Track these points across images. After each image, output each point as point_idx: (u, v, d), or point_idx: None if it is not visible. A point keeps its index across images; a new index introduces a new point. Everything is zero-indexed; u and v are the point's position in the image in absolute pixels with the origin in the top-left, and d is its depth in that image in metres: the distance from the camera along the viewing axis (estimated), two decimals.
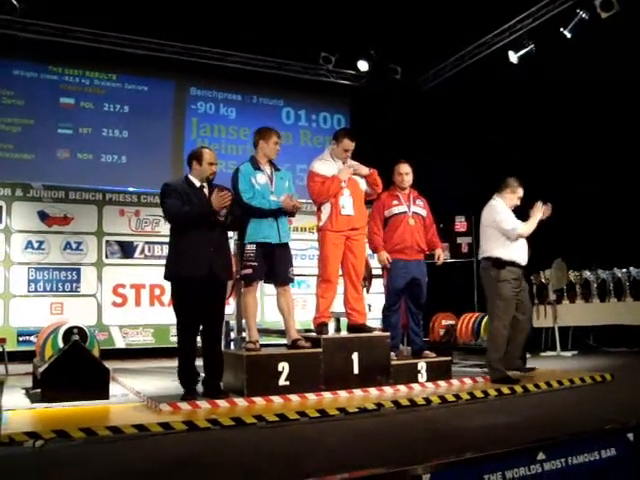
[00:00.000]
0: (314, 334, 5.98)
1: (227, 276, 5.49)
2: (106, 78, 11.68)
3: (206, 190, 5.42)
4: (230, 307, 7.21)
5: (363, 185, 6.23)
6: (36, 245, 9.88)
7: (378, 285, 8.13)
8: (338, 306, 6.41)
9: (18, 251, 9.77)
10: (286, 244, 5.77)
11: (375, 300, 8.58)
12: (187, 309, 5.24)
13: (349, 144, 6.11)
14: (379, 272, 7.32)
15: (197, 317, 5.31)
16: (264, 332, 7.50)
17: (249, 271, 5.60)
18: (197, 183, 5.45)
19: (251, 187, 5.64)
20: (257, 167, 5.75)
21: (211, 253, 5.23)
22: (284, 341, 6.05)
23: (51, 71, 11.30)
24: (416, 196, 6.67)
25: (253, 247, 5.59)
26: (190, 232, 5.23)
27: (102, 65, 11.54)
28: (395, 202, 6.51)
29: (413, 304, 6.56)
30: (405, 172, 6.57)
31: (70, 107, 11.32)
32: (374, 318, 8.22)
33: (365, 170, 6.21)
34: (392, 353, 6.04)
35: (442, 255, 6.71)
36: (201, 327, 5.40)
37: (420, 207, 6.61)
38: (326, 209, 6.05)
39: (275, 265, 5.66)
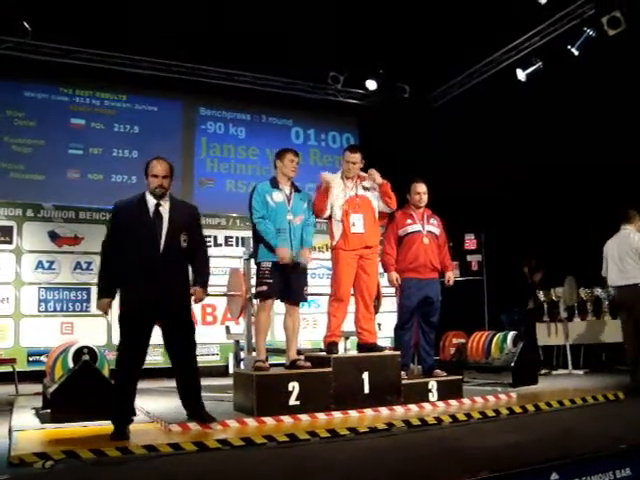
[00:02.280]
0: (324, 353, 5.96)
1: (180, 302, 4.90)
2: (116, 99, 11.81)
3: (164, 209, 4.87)
4: (240, 327, 7.22)
5: (376, 202, 6.21)
6: (46, 265, 9.91)
7: (388, 304, 8.10)
8: (348, 325, 6.38)
9: (29, 271, 9.81)
10: (300, 263, 5.75)
11: (385, 319, 8.54)
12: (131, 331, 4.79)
13: (350, 156, 6.12)
14: (389, 291, 7.29)
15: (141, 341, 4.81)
16: (275, 352, 7.48)
17: (264, 288, 5.59)
18: (151, 201, 4.90)
19: (264, 205, 5.64)
20: (275, 186, 5.77)
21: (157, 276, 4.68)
22: None
23: (62, 92, 11.44)
24: (430, 215, 6.66)
25: (269, 265, 5.58)
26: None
27: (112, 86, 11.68)
28: (409, 221, 6.50)
29: (425, 323, 6.53)
30: (423, 191, 6.57)
31: (80, 128, 11.43)
32: (384, 337, 8.19)
33: (379, 178, 6.13)
34: (403, 372, 6.01)
35: (452, 278, 6.69)
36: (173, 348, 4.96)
37: (434, 226, 6.60)
38: (338, 229, 6.04)
39: (291, 283, 5.65)
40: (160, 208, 4.87)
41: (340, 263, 6.00)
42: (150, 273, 4.67)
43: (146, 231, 4.77)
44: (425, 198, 6.58)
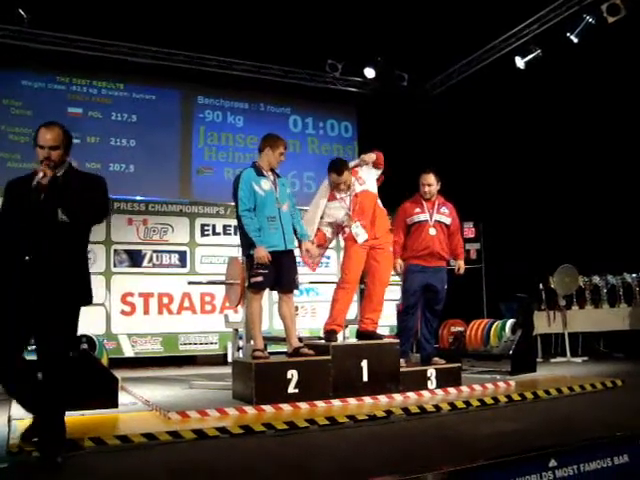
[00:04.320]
0: (323, 341, 5.96)
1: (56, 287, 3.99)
2: (114, 87, 11.74)
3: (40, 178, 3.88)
4: (238, 315, 7.22)
5: (373, 181, 6.22)
6: None
7: (388, 292, 8.09)
8: (349, 313, 6.39)
9: None
10: (291, 250, 5.75)
11: (384, 307, 8.54)
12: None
13: (337, 179, 6.07)
14: (391, 279, 7.31)
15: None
16: (272, 340, 7.48)
17: (259, 279, 5.58)
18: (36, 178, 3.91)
19: (251, 196, 5.58)
20: (260, 173, 5.71)
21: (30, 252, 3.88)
22: None
23: (59, 81, 11.38)
24: (442, 203, 6.63)
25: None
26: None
27: (110, 74, 11.61)
28: (417, 210, 6.51)
29: (429, 311, 6.59)
30: (428, 183, 6.52)
31: (78, 116, 11.36)
32: (383, 325, 8.18)
33: (370, 157, 6.20)
34: (401, 360, 6.02)
35: (463, 266, 6.71)
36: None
37: (445, 215, 6.57)
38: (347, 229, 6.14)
39: (282, 272, 5.64)
40: (46, 182, 3.92)
41: (350, 253, 6.11)
42: (25, 249, 3.88)
43: (28, 204, 3.93)
44: (431, 189, 6.53)
